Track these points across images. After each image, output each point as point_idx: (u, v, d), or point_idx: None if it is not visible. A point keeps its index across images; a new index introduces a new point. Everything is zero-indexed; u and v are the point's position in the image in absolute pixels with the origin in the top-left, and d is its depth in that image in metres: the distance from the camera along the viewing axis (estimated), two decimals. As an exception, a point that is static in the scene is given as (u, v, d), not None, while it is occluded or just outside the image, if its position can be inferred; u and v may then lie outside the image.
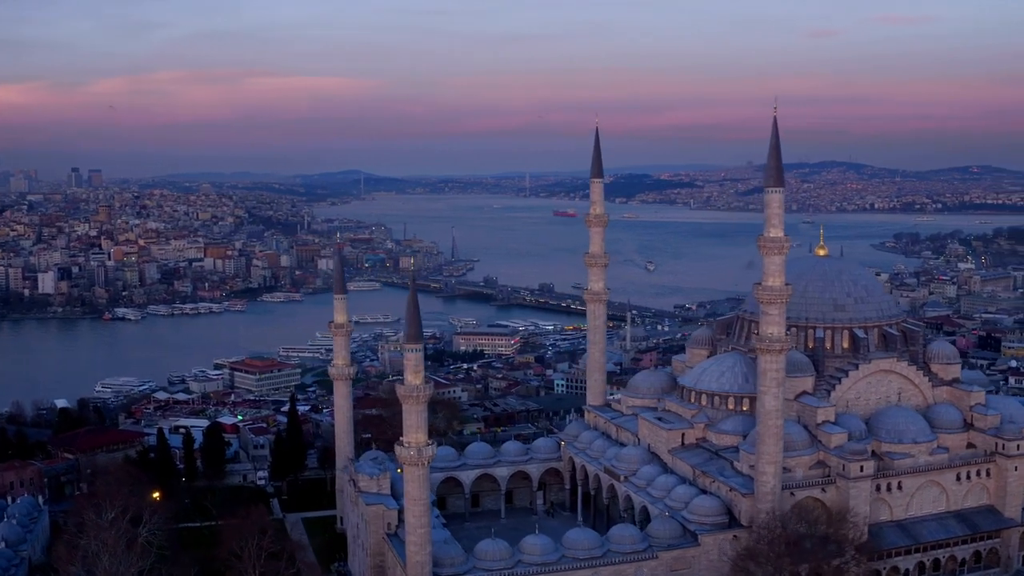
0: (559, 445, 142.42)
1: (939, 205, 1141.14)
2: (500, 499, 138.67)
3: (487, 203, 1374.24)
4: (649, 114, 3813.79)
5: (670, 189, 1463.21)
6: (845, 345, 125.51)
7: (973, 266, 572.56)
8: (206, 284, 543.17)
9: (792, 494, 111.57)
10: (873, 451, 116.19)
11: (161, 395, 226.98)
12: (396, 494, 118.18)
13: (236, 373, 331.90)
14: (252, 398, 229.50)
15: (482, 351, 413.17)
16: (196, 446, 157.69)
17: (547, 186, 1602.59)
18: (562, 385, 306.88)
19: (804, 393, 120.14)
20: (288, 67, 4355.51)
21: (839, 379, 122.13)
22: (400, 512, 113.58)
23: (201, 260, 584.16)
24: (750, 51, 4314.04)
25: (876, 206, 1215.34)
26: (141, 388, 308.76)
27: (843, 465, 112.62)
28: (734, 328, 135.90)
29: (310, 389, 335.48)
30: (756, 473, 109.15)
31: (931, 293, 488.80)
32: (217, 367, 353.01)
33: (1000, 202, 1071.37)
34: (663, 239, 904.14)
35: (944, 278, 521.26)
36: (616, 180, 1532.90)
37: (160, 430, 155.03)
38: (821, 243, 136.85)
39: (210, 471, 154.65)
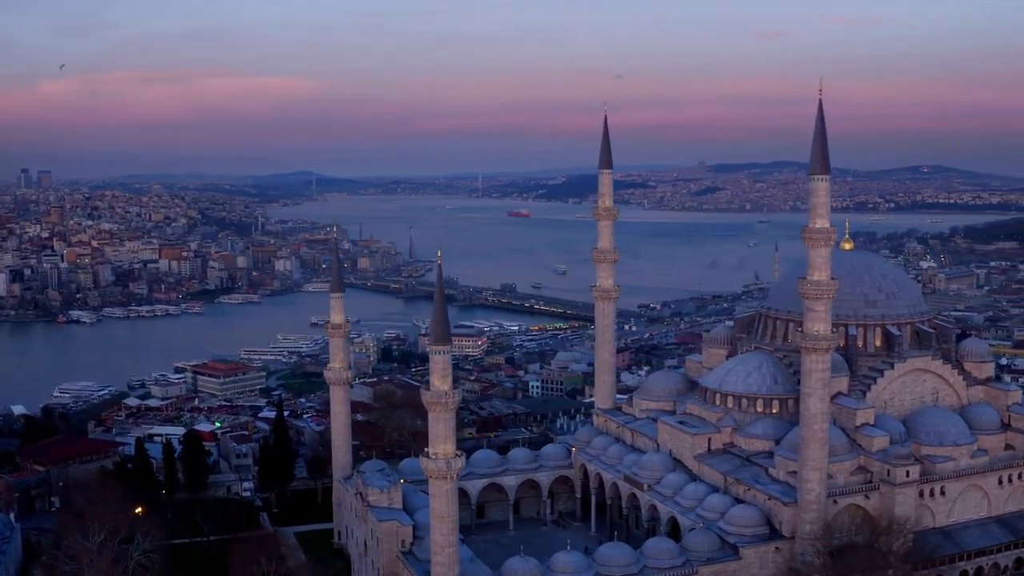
0: (569, 452, 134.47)
1: (892, 204, 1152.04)
2: (508, 510, 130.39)
3: (440, 204, 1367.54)
4: (600, 114, 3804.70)
5: (623, 189, 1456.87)
6: (878, 343, 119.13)
7: (935, 264, 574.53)
8: (162, 286, 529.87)
9: (835, 502, 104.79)
10: (911, 455, 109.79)
11: (132, 401, 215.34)
12: (408, 508, 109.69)
13: (199, 377, 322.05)
14: (228, 404, 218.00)
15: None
16: (175, 456, 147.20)
17: (499, 187, 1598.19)
18: (537, 386, 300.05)
19: (840, 394, 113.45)
20: (240, 68, 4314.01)
21: (874, 379, 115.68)
22: (415, 528, 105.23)
23: (156, 262, 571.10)
24: (701, 52, 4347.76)
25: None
26: (101, 393, 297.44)
27: (888, 470, 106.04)
28: (756, 326, 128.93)
29: (275, 392, 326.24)
30: (799, 480, 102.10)
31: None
32: (178, 371, 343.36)
33: (952, 201, 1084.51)
34: (619, 239, 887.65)
35: (909, 276, 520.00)
36: (569, 180, 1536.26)
37: (138, 440, 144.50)
38: (847, 236, 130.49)
39: (192, 483, 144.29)
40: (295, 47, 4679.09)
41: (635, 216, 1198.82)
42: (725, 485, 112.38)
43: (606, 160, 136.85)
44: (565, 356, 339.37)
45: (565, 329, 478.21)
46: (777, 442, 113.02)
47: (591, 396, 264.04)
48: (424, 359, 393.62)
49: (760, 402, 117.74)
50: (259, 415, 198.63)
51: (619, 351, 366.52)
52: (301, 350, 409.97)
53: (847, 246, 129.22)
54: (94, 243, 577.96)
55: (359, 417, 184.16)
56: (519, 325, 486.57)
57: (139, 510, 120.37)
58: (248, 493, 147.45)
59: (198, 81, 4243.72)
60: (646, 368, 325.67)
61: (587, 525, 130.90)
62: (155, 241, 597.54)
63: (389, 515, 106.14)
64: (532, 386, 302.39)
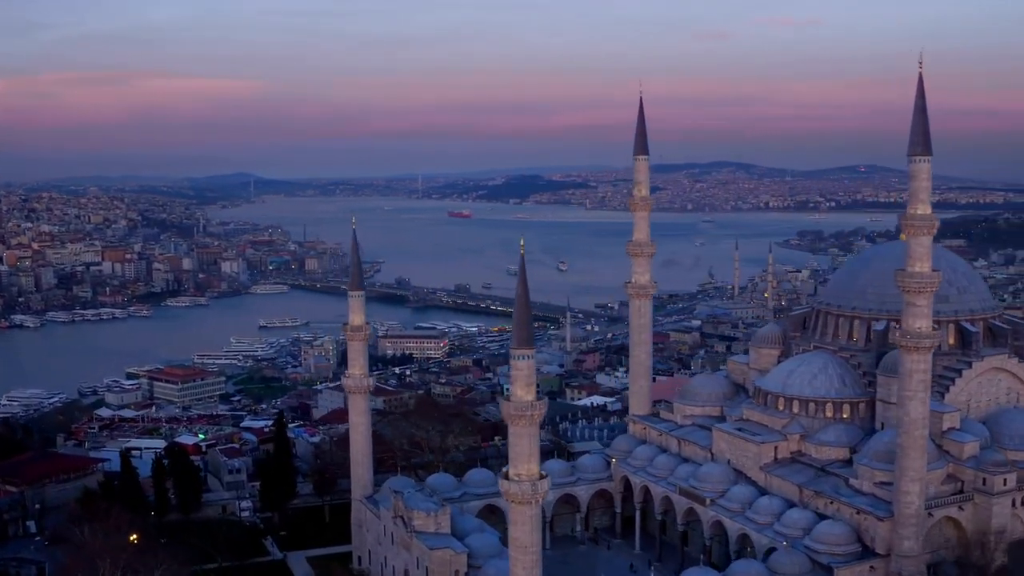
0: (608, 463, 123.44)
1: (832, 203, 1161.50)
2: (545, 528, 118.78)
3: (379, 205, 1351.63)
4: (539, 116, 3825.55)
5: (564, 190, 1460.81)
6: (951, 341, 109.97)
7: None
8: (107, 289, 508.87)
9: (930, 515, 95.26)
10: (1007, 461, 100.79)
11: (104, 411, 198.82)
12: (456, 533, 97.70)
13: (156, 383, 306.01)
14: (208, 414, 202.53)
15: (410, 355, 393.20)
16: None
17: (438, 188, 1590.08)
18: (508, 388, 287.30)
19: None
20: (176, 69, 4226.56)
21: (952, 379, 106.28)
22: (469, 556, 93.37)
23: (99, 264, 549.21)
24: (638, 53, 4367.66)
25: (771, 205, 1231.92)
26: (51, 401, 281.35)
27: (983, 479, 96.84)
28: (810, 323, 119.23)
29: (235, 398, 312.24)
30: (897, 493, 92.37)
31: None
32: (130, 376, 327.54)
33: (893, 200, 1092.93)
34: (566, 239, 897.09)
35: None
36: (509, 181, 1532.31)
37: (124, 456, 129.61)
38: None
39: (184, 503, 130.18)
40: (230, 48, 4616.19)
41: (578, 216, 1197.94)
42: (801, 498, 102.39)
43: (641, 146, 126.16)
44: (536, 357, 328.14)
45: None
46: (853, 450, 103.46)
47: (574, 398, 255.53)
48: (385, 362, 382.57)
49: (829, 406, 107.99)
50: (240, 424, 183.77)
51: (589, 352, 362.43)
52: (256, 354, 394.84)
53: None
54: (34, 245, 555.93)
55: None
56: (478, 326, 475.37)
57: (134, 538, 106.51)
58: (247, 513, 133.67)
59: (132, 82, 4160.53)
60: (622, 369, 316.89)
61: (627, 542, 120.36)
62: (97, 243, 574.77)
63: (439, 542, 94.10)
64: (506, 389, 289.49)
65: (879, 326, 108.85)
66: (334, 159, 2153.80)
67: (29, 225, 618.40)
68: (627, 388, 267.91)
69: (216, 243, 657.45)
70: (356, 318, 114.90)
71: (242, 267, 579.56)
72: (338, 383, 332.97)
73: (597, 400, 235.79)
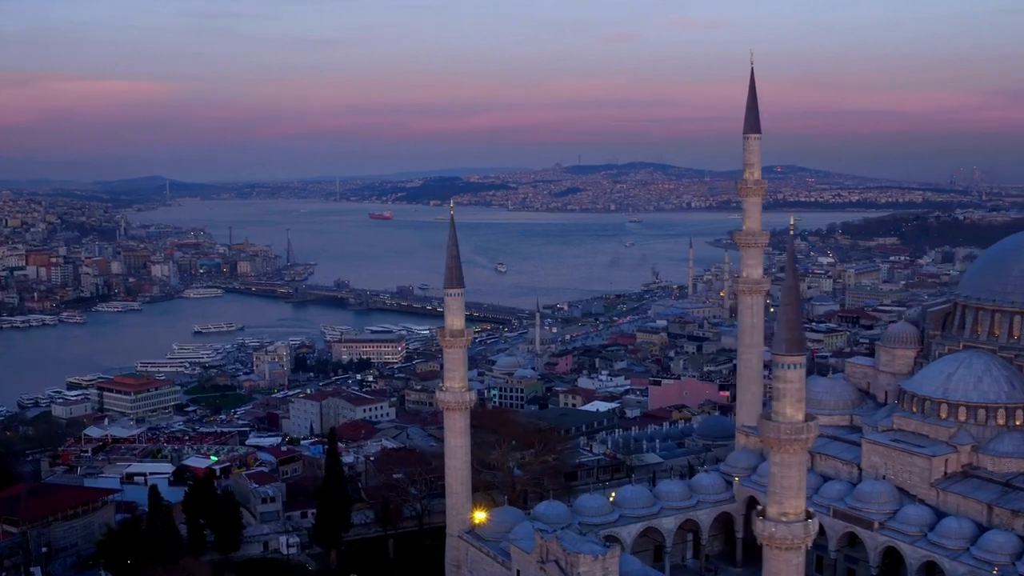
0: (727, 482, 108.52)
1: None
2: (665, 558, 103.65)
3: (295, 207, 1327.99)
4: (453, 117, 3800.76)
5: (484, 191, 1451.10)
6: None
7: (834, 260, 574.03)
8: (34, 294, 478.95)
9: None
10: None
11: (94, 431, 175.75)
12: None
13: (106, 393, 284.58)
14: (217, 432, 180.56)
15: (368, 360, 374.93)
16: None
17: (356, 190, 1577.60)
18: (495, 395, 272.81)
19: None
20: (86, 71, 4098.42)
21: None
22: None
23: (23, 268, 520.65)
24: (548, 55, 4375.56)
25: (694, 204, 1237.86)
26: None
27: None
28: (954, 321, 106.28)
29: (190, 409, 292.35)
30: None
31: (809, 287, 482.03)
32: (72, 386, 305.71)
33: (813, 199, 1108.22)
34: (495, 240, 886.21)
35: (819, 272, 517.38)
36: (427, 183, 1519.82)
37: (153, 488, 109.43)
38: None
39: (222, 542, 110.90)
40: (140, 49, 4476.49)
41: (500, 217, 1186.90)
42: (989, 517, 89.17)
43: (753, 123, 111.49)
44: (507, 361, 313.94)
45: (479, 331, 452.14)
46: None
47: (571, 405, 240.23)
48: (341, 367, 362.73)
49: (1001, 412, 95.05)
50: (246, 441, 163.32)
51: (561, 354, 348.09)
52: (202, 361, 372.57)
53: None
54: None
55: (388, 444, 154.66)
56: (429, 329, 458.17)
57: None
58: (294, 550, 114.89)
59: (40, 84, 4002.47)
60: (604, 372, 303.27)
61: (749, 570, 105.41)
62: (20, 247, 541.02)
63: (610, 588, 77.74)
64: (491, 393, 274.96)
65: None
66: (249, 162, 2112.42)
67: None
68: (626, 392, 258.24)
69: (141, 246, 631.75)
70: (455, 320, 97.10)
71: (173, 271, 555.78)
72: (297, 391, 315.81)
73: (601, 406, 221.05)
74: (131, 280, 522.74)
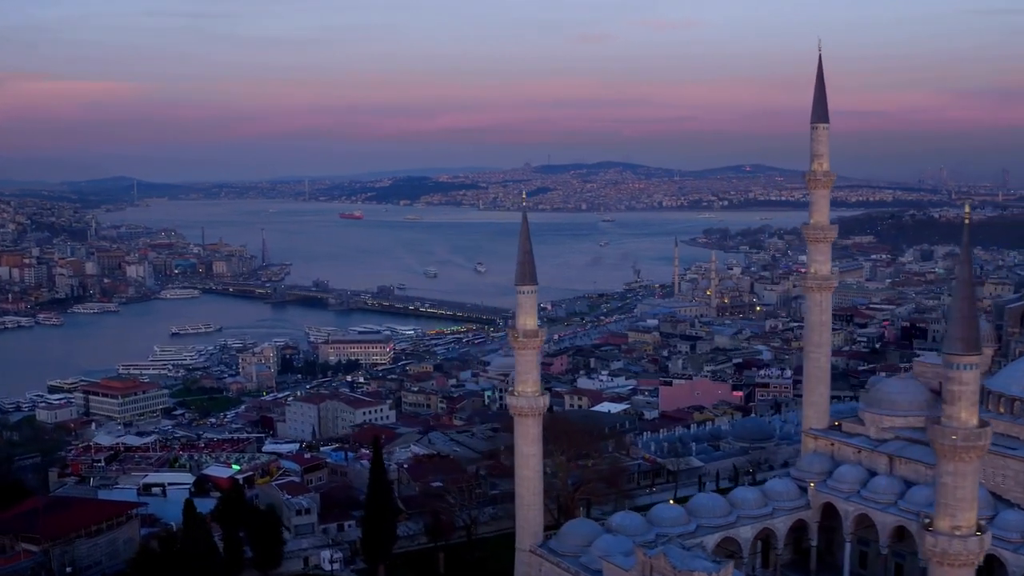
0: (802, 488, 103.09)
1: (725, 202, 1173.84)
2: (742, 568, 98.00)
3: (264, 207, 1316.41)
4: (422, 118, 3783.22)
5: (454, 191, 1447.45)
6: None
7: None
8: (8, 296, 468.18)
9: None
10: None
11: (104, 439, 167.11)
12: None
13: (92, 397, 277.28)
14: (231, 438, 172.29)
15: (356, 361, 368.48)
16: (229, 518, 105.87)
17: (325, 190, 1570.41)
18: (490, 395, 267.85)
19: None
20: (52, 71, 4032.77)
21: None
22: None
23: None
24: (519, 55, 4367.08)
25: (665, 204, 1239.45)
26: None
27: None
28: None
29: (178, 412, 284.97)
30: None
31: (795, 286, 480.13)
32: (54, 390, 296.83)
33: (783, 198, 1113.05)
34: (470, 240, 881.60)
35: (802, 270, 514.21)
36: (396, 183, 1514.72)
37: (188, 502, 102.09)
38: None
39: (261, 559, 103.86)
40: (105, 50, 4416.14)
41: (471, 217, 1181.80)
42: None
43: (821, 112, 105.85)
44: (502, 362, 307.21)
45: (464, 331, 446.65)
46: None
47: (576, 406, 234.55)
48: (329, 369, 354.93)
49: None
50: (263, 448, 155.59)
51: (555, 354, 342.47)
52: (185, 363, 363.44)
53: None
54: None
55: (418, 451, 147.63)
56: (414, 329, 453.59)
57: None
58: (337, 566, 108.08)
59: (5, 84, 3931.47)
60: (604, 373, 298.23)
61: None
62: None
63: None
64: (487, 395, 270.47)
65: None
66: (216, 162, 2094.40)
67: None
68: (632, 392, 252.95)
69: (114, 247, 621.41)
70: (528, 320, 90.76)
71: (148, 271, 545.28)
72: (286, 393, 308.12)
73: (612, 407, 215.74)
74: (106, 281, 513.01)
